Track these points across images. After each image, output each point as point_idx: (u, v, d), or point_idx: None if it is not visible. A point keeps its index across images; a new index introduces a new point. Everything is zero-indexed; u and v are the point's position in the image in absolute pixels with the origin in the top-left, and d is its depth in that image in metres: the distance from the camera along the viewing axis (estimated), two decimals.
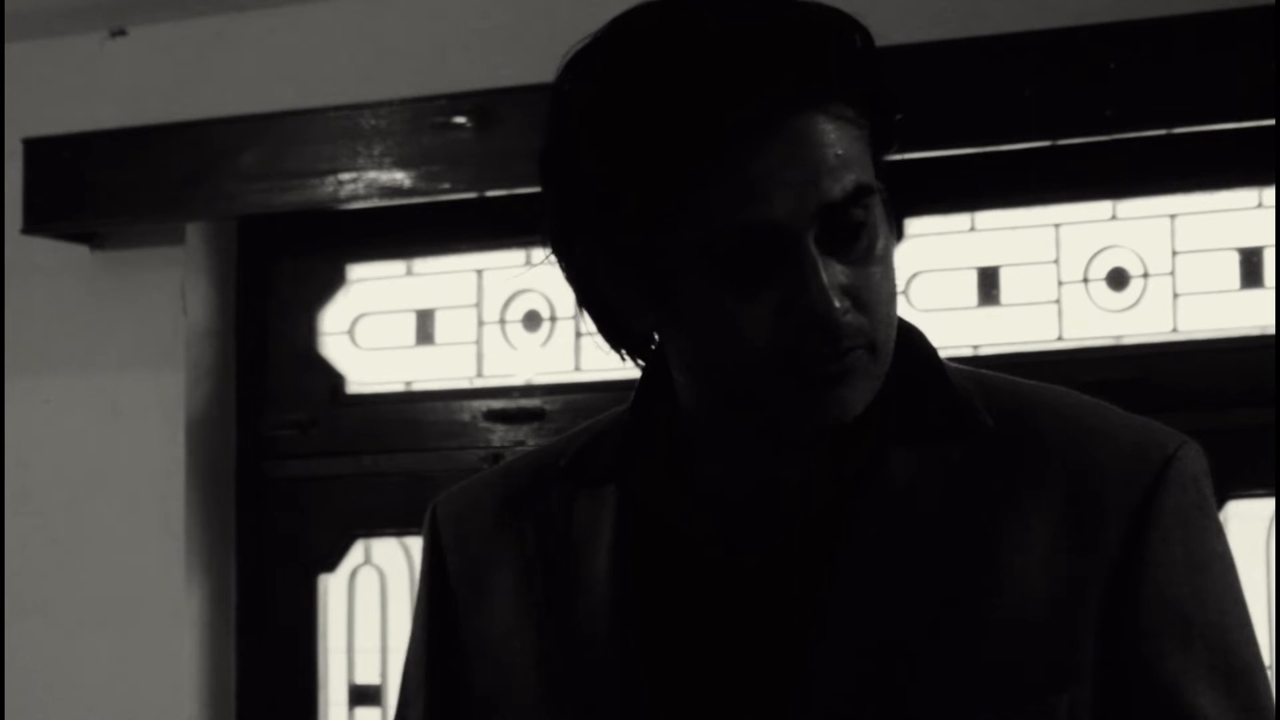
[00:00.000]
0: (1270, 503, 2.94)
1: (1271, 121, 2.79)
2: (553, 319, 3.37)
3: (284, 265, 3.53)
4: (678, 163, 1.34)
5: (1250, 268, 2.98)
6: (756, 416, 1.41)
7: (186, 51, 3.48)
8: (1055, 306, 3.07)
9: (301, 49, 3.42)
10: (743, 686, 1.42)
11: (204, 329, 3.49)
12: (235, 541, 3.50)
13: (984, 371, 1.50)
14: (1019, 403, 1.46)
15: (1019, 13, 2.95)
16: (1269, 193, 2.95)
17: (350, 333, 3.50)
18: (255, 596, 3.49)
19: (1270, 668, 2.84)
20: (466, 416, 3.39)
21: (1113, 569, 1.39)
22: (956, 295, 3.12)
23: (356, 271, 3.50)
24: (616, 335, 1.46)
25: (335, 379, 3.49)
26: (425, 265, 3.46)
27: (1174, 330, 3.02)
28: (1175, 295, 3.02)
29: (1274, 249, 2.93)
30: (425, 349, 3.46)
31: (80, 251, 3.52)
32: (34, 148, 3.45)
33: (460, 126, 3.21)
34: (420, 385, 3.45)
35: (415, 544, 3.09)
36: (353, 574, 3.48)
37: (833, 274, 1.36)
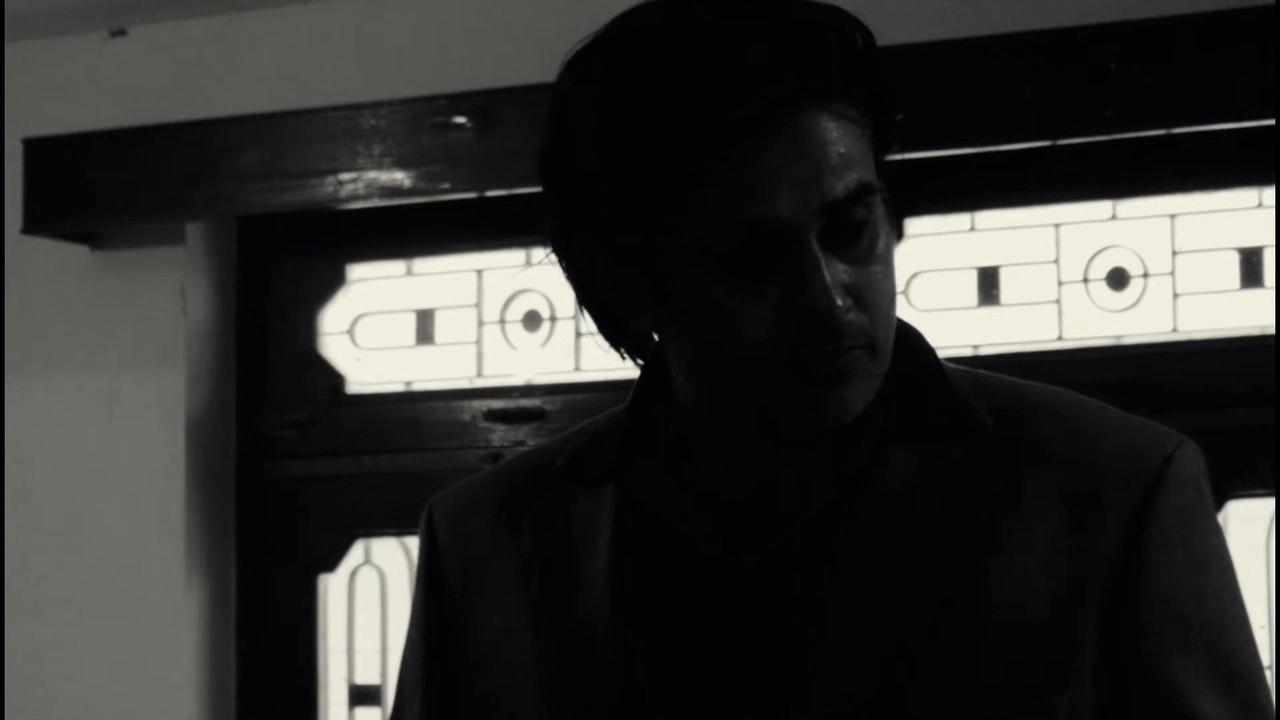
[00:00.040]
0: (1270, 503, 2.94)
1: (1271, 121, 2.80)
2: (553, 319, 3.37)
3: (284, 265, 3.53)
4: (679, 162, 1.34)
5: (1250, 268, 2.98)
6: (756, 416, 1.41)
7: (186, 51, 3.48)
8: (1055, 306, 3.07)
9: (301, 49, 3.42)
10: (743, 686, 1.42)
11: (204, 329, 3.49)
12: (235, 541, 3.50)
13: (982, 372, 1.50)
14: (1018, 403, 1.46)
15: (1019, 13, 2.95)
16: (1269, 193, 2.95)
17: (350, 333, 3.50)
18: (255, 596, 3.49)
19: (1270, 668, 2.85)
20: (466, 416, 3.39)
21: (1112, 569, 1.39)
22: (956, 295, 3.12)
23: (356, 271, 3.50)
24: (616, 335, 1.46)
25: (335, 379, 3.49)
26: (425, 265, 3.46)
27: (1174, 330, 3.02)
28: (1175, 295, 3.02)
29: (1274, 249, 2.93)
30: (425, 349, 3.46)
31: (80, 251, 3.52)
32: (34, 148, 3.45)
33: (460, 126, 3.21)
34: (420, 385, 3.45)
35: (415, 544, 3.08)
36: (353, 574, 3.48)
37: (835, 272, 1.36)
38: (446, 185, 3.24)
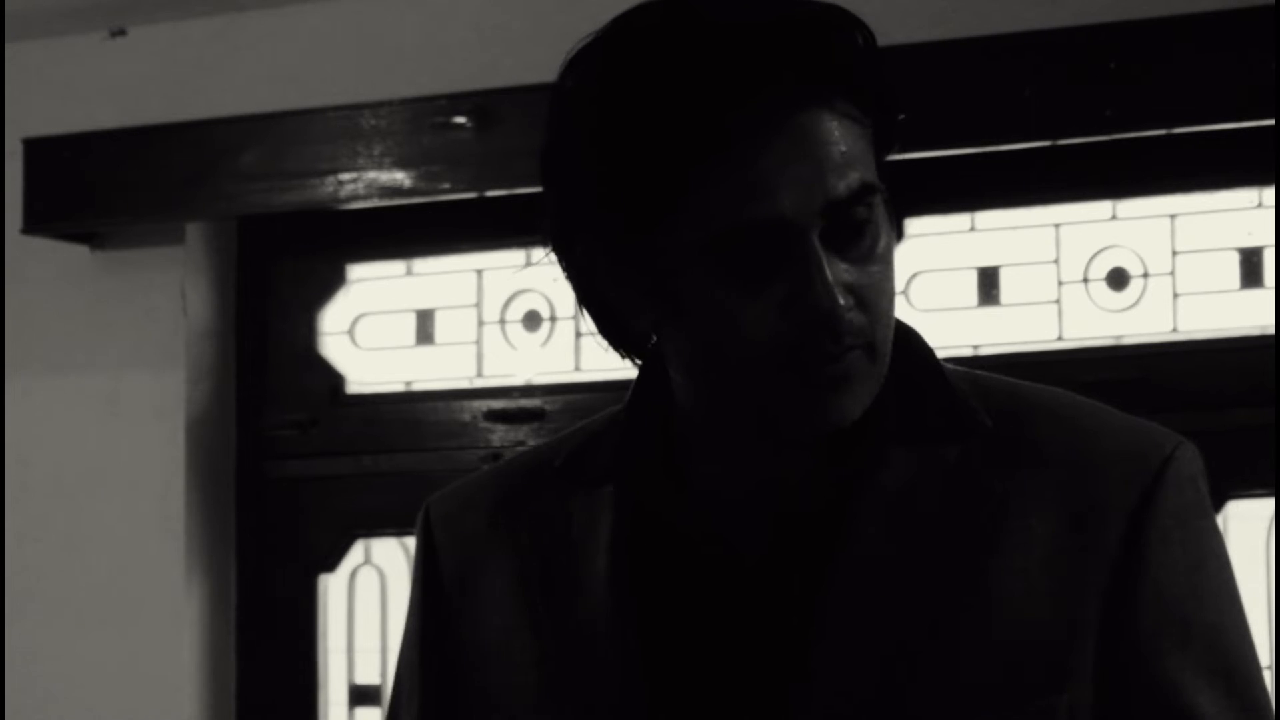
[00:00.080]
0: (1270, 503, 2.94)
1: (1271, 121, 2.80)
2: (553, 319, 3.37)
3: (284, 265, 3.53)
4: (679, 162, 1.34)
5: (1250, 268, 2.98)
6: (756, 416, 1.41)
7: (186, 51, 3.48)
8: (1055, 306, 3.07)
9: (301, 49, 3.42)
10: (743, 686, 1.42)
11: (204, 329, 3.49)
12: (235, 541, 3.50)
13: (979, 373, 1.50)
14: (1016, 404, 1.46)
15: (1019, 13, 2.95)
16: (1269, 193, 2.95)
17: (350, 333, 3.50)
18: (255, 596, 3.49)
19: (1270, 668, 2.85)
20: (466, 416, 3.39)
21: (1112, 569, 1.39)
22: (956, 295, 3.12)
23: (356, 271, 3.50)
24: (616, 335, 1.46)
25: (335, 379, 3.49)
26: (425, 265, 3.46)
27: (1174, 330, 3.02)
28: (1175, 295, 3.02)
29: (1274, 249, 2.93)
30: (425, 349, 3.46)
31: (80, 251, 3.53)
32: (34, 148, 3.45)
33: (460, 126, 3.21)
34: (420, 385, 3.45)
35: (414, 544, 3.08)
36: (353, 574, 3.48)
37: (837, 271, 1.36)
38: (446, 185, 3.24)
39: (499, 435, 3.36)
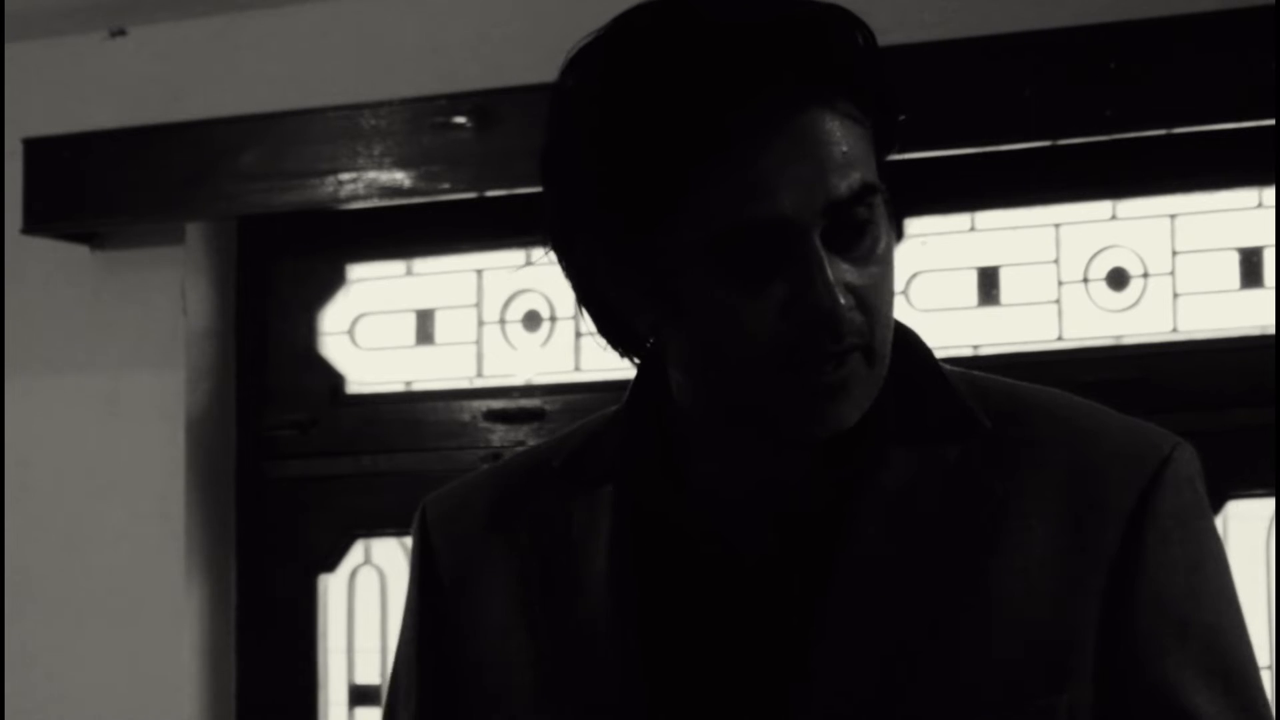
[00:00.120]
0: (1270, 503, 2.94)
1: (1271, 121, 2.80)
2: (553, 319, 3.37)
3: (284, 265, 3.53)
4: (679, 162, 1.34)
5: (1250, 268, 2.98)
6: (755, 416, 1.41)
7: (186, 51, 3.48)
8: (1055, 306, 3.07)
9: (301, 49, 3.42)
10: (743, 686, 1.42)
11: (204, 329, 3.49)
12: (235, 541, 3.50)
13: (977, 374, 1.50)
14: (1014, 404, 1.46)
15: (1019, 13, 2.95)
16: (1269, 193, 2.95)
17: (350, 333, 3.50)
18: (255, 596, 3.49)
19: (1270, 668, 2.85)
20: (466, 416, 3.39)
21: (1111, 570, 1.40)
22: (956, 295, 3.12)
23: (356, 271, 3.50)
24: (616, 334, 1.46)
25: (335, 379, 3.49)
26: (425, 265, 3.46)
27: (1174, 330, 3.02)
28: (1175, 295, 3.02)
29: (1274, 249, 2.93)
30: (425, 349, 3.46)
31: (80, 251, 3.52)
32: (34, 148, 3.45)
33: (460, 126, 3.21)
34: (420, 385, 3.45)
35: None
36: (353, 574, 3.48)
37: (838, 271, 1.36)
38: (446, 185, 3.24)
39: (499, 435, 3.36)
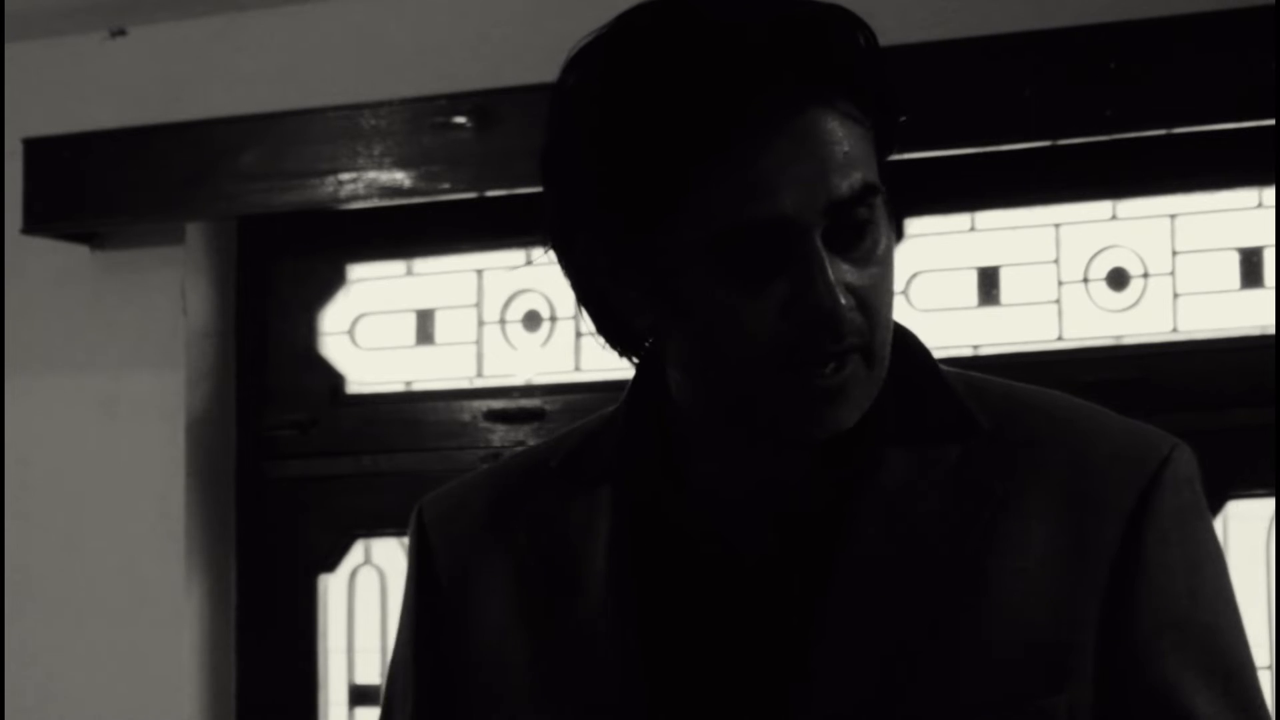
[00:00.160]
0: (1270, 503, 2.94)
1: (1271, 121, 2.80)
2: (553, 319, 3.37)
3: (284, 265, 3.53)
4: (680, 161, 1.34)
5: (1250, 268, 2.98)
6: (755, 416, 1.41)
7: (186, 51, 3.48)
8: (1055, 306, 3.07)
9: (301, 49, 3.42)
10: (743, 686, 1.42)
11: (204, 329, 3.49)
12: (235, 541, 3.50)
13: (975, 374, 1.50)
14: (1012, 405, 1.47)
15: (1019, 13, 2.95)
16: (1269, 193, 2.95)
17: (350, 333, 3.50)
18: (255, 596, 3.49)
19: (1270, 667, 2.85)
20: (466, 416, 3.39)
21: (1110, 570, 1.40)
22: (956, 295, 3.12)
23: (356, 271, 3.50)
24: (616, 334, 1.46)
25: (335, 379, 3.49)
26: (425, 265, 3.46)
27: (1174, 330, 3.02)
28: (1175, 295, 3.02)
29: (1274, 249, 2.93)
30: (425, 349, 3.46)
31: (80, 251, 3.52)
32: (34, 148, 3.45)
33: (460, 126, 3.21)
34: (420, 385, 3.45)
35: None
36: (353, 574, 3.48)
37: (838, 271, 1.36)
38: (446, 185, 3.24)
39: (499, 435, 3.36)
